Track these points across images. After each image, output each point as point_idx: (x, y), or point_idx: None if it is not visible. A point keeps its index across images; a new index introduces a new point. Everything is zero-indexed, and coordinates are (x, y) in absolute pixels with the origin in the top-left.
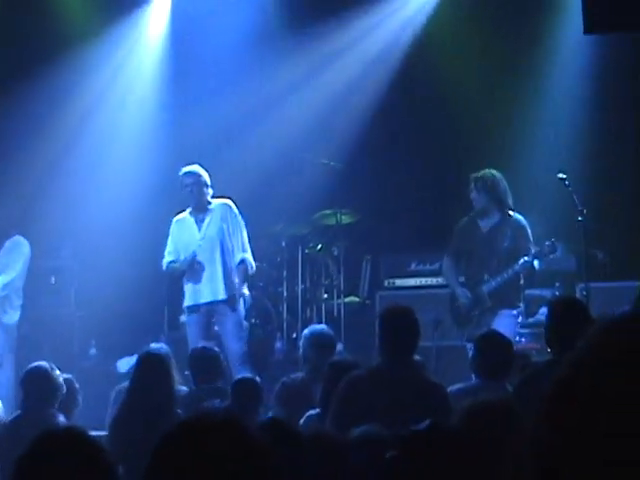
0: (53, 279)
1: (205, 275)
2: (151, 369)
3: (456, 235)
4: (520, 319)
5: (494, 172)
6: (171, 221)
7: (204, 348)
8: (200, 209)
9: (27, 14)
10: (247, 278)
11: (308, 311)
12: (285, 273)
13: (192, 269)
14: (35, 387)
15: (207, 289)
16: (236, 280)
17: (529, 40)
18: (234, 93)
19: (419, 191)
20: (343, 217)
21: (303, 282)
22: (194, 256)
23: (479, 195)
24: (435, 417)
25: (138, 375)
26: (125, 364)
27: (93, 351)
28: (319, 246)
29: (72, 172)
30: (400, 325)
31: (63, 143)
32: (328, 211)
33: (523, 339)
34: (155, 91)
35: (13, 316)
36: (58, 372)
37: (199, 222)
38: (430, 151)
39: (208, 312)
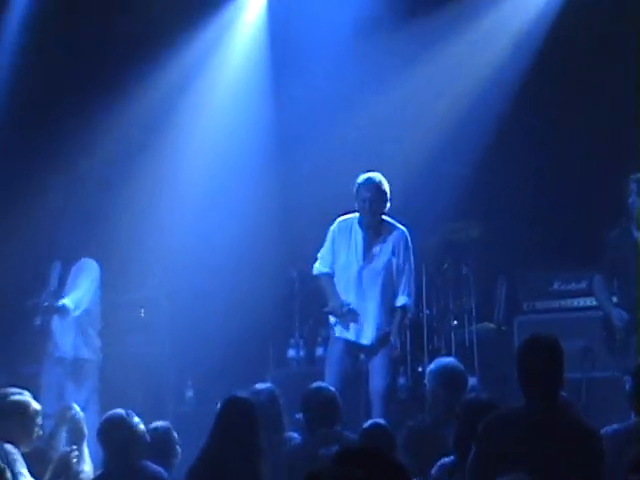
0: (142, 312)
1: (364, 313)
2: (234, 417)
3: (607, 248)
4: None
5: None
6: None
7: (320, 388)
8: (372, 228)
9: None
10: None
11: (435, 341)
12: None
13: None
14: (111, 439)
15: (356, 328)
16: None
17: None
18: (348, 103)
19: (560, 199)
20: (473, 231)
21: (428, 307)
22: (348, 307)
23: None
24: (588, 465)
25: (219, 423)
26: None
27: (190, 393)
28: (445, 265)
29: (161, 196)
30: (544, 358)
31: (154, 167)
32: (455, 224)
33: None
34: (256, 103)
35: (93, 351)
36: (137, 419)
37: (366, 240)
38: (572, 155)
39: (355, 349)
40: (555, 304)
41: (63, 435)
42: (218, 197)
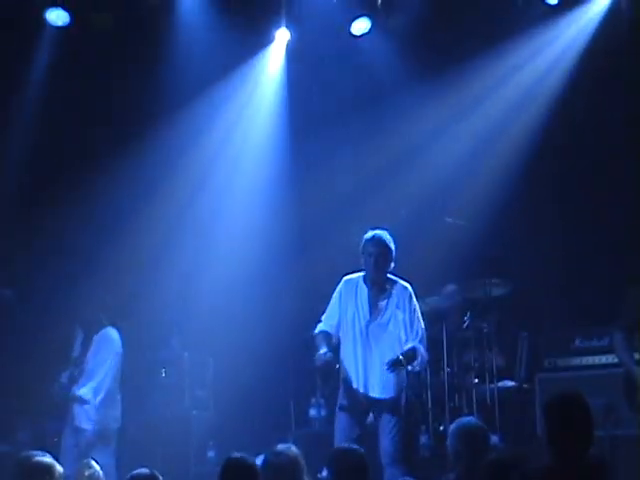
0: (163, 372)
1: (363, 364)
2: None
3: (628, 305)
4: None
5: None
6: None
7: (349, 449)
8: (377, 284)
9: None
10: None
11: (456, 399)
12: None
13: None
14: None
15: (362, 380)
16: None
17: None
18: (360, 146)
19: (582, 254)
20: (493, 288)
21: (449, 365)
22: (329, 354)
23: None
24: None
25: None
26: None
27: (211, 454)
28: (466, 322)
29: (178, 252)
30: (575, 415)
31: (166, 222)
32: (475, 281)
33: None
34: (273, 151)
35: (113, 420)
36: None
37: (373, 298)
38: (596, 205)
39: (368, 408)
40: (576, 361)
41: None
42: (241, 258)
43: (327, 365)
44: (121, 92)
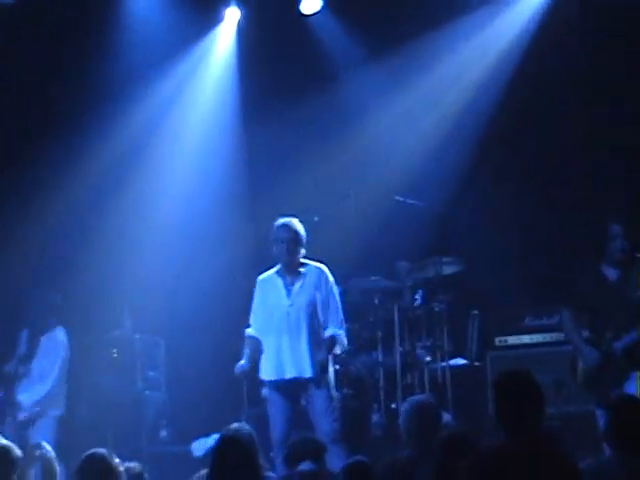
0: (115, 352)
1: (290, 348)
2: (234, 453)
3: (578, 284)
4: None
5: None
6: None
7: (304, 439)
8: (291, 270)
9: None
10: (333, 354)
11: (409, 377)
12: (380, 334)
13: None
14: (91, 478)
15: (291, 364)
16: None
17: None
18: (310, 127)
19: (532, 234)
20: (444, 267)
21: (401, 344)
22: (242, 368)
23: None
24: None
25: (219, 461)
26: (200, 447)
27: (164, 433)
28: (417, 301)
29: (125, 225)
30: (525, 392)
31: (127, 203)
32: (426, 259)
33: None
34: (222, 131)
35: (56, 406)
36: (118, 460)
37: (288, 286)
38: (547, 186)
39: (294, 389)
40: (526, 339)
41: (32, 474)
42: (192, 238)
43: (244, 375)
44: (64, 75)
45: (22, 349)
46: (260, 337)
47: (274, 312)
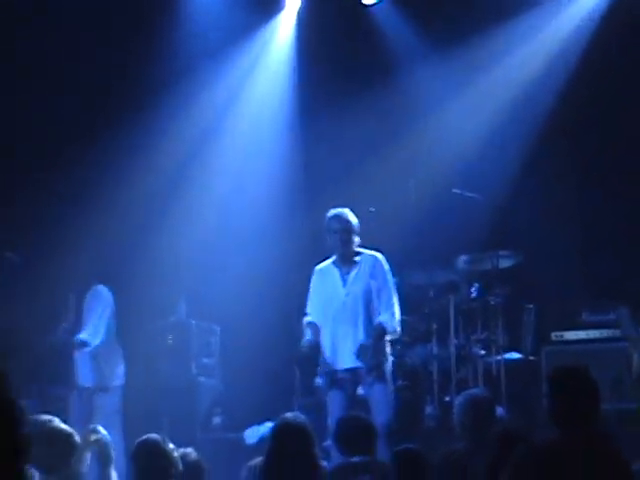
0: (170, 338)
1: (347, 337)
2: (292, 441)
3: (635, 280)
4: None
5: None
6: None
7: (355, 417)
8: (346, 260)
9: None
10: (385, 342)
11: (463, 370)
12: (435, 327)
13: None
14: (145, 464)
15: (348, 353)
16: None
17: None
18: (370, 117)
19: (593, 228)
20: (501, 260)
21: (456, 337)
22: (309, 342)
23: None
24: None
25: (276, 448)
26: (253, 434)
27: (217, 420)
28: (473, 294)
29: (182, 214)
30: (581, 387)
31: (181, 195)
32: (483, 253)
33: None
34: (281, 121)
35: (116, 378)
36: (172, 446)
37: (344, 275)
38: (609, 180)
39: (350, 378)
40: (583, 334)
41: (88, 458)
42: (251, 227)
43: (311, 350)
44: (126, 61)
45: (71, 316)
46: (319, 324)
47: (331, 302)
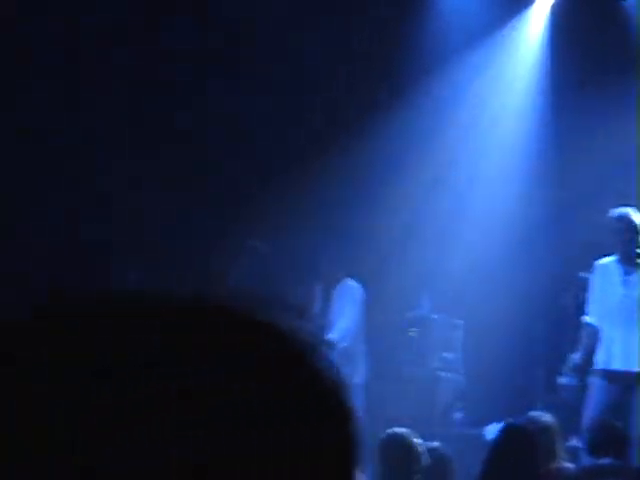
0: (413, 332)
1: (622, 339)
2: (513, 444)
3: None
4: None
5: None
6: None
7: (609, 423)
8: (628, 260)
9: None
10: None
11: None
12: None
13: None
14: (392, 456)
15: (621, 355)
16: None
17: None
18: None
19: None
20: None
21: None
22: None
23: None
24: None
25: (498, 450)
26: (494, 431)
27: (458, 415)
28: None
29: (433, 215)
30: None
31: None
32: None
33: None
34: (531, 117)
35: (360, 374)
36: (417, 439)
37: (626, 275)
38: None
39: (619, 381)
40: None
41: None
42: (498, 223)
43: (575, 371)
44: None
45: (317, 306)
46: (597, 324)
47: (608, 300)
